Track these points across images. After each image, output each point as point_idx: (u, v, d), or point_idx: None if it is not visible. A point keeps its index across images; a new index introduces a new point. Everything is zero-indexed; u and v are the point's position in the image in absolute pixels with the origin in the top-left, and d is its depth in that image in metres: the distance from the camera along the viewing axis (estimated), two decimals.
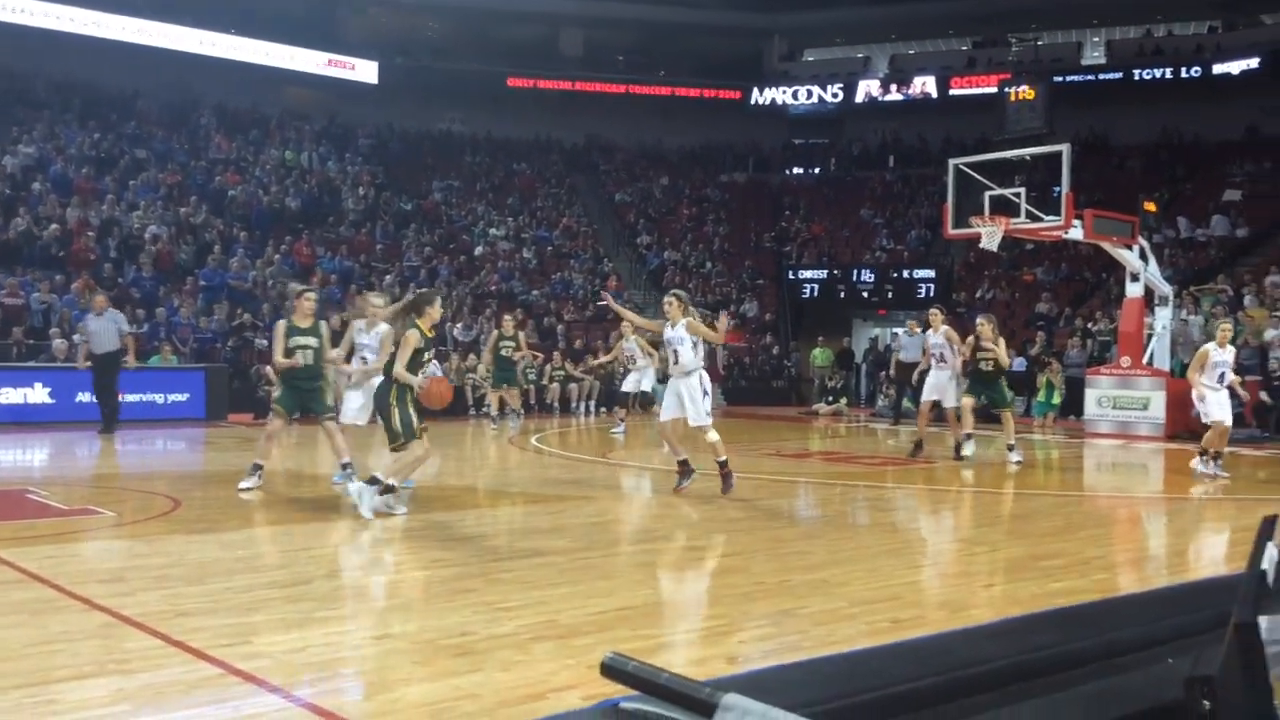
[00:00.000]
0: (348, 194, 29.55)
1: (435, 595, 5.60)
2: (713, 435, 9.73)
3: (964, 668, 1.25)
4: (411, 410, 8.39)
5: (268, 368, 14.47)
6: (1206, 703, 1.12)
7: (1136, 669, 1.41)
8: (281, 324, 10.00)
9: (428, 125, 35.47)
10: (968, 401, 13.30)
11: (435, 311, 8.61)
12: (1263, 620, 1.10)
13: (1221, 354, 12.33)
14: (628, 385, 17.84)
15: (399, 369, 8.27)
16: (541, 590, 5.75)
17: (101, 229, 23.24)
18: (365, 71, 34.28)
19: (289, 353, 9.77)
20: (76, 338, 17.06)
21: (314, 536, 7.59)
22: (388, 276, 25.82)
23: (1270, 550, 1.17)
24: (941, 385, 13.68)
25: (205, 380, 18.76)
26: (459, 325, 23.88)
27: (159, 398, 18.29)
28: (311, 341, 9.88)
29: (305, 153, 30.79)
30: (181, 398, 18.45)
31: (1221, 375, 12.34)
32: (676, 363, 9.97)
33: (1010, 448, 13.15)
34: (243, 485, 9.62)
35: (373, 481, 8.22)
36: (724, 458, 9.65)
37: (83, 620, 4.99)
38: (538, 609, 5.30)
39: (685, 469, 9.94)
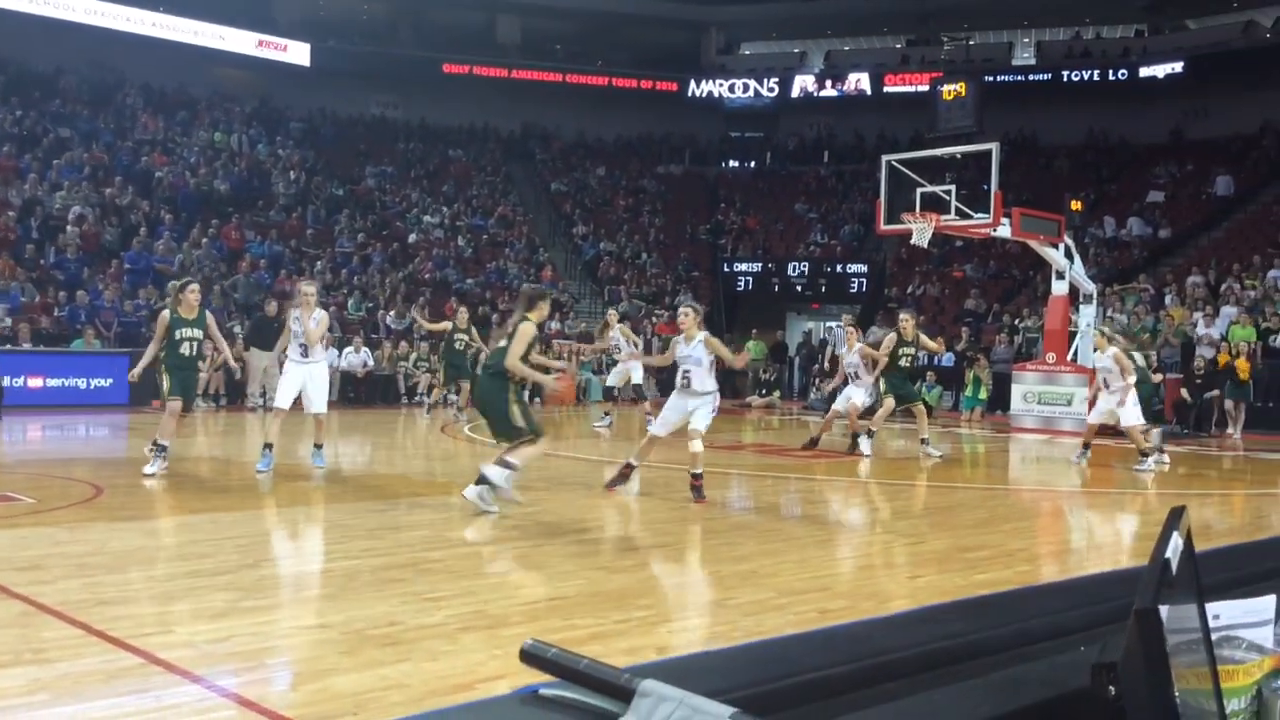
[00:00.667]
0: (278, 178, 29.09)
1: (363, 585, 5.55)
2: (699, 446, 9.18)
3: (877, 655, 1.28)
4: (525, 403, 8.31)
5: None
6: (1112, 689, 1.16)
7: (1046, 657, 1.45)
8: (165, 315, 10.02)
9: (361, 110, 35.04)
10: (890, 401, 13.59)
11: (545, 307, 8.50)
12: (1165, 609, 1.14)
13: (1101, 359, 12.69)
14: (613, 379, 17.31)
15: (517, 364, 8.00)
16: (471, 580, 5.73)
17: (23, 209, 22.64)
18: (298, 54, 33.73)
19: (177, 344, 9.89)
20: None
21: (240, 525, 7.48)
22: (319, 262, 25.49)
23: (1175, 539, 1.21)
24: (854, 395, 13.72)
25: (129, 365, 18.34)
26: (391, 313, 23.64)
27: (81, 383, 17.88)
28: (197, 333, 10.04)
29: (235, 135, 30.24)
30: (105, 383, 18.05)
31: (1105, 381, 12.76)
32: (687, 385, 9.22)
33: (924, 441, 13.40)
34: (148, 470, 9.53)
35: (481, 481, 8.04)
36: (700, 470, 9.13)
37: None
38: (467, 599, 5.28)
39: (628, 474, 9.56)
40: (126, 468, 10.87)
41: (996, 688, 1.34)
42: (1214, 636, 1.50)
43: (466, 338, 16.80)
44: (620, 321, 16.93)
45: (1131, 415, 12.75)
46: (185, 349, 9.97)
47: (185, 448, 13.14)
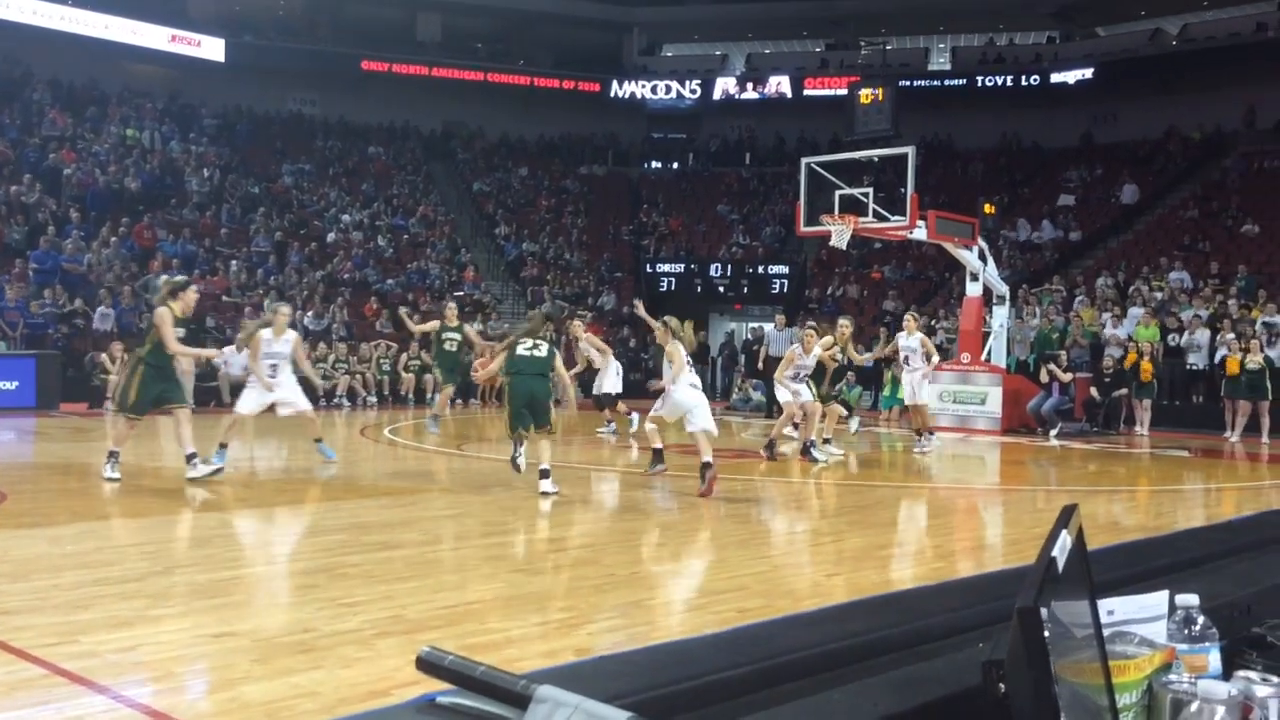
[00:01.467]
0: (191, 175, 28.47)
1: (276, 591, 5.46)
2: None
3: (779, 655, 1.29)
4: None
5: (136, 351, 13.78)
6: (1002, 685, 1.18)
7: (944, 655, 1.47)
8: (168, 313, 9.58)
9: (278, 107, 34.45)
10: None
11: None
12: (1053, 606, 1.16)
13: (908, 340, 14.76)
14: (607, 386, 15.91)
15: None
16: (388, 585, 5.66)
17: None
18: (211, 49, 33.05)
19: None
20: None
21: (148, 531, 7.31)
22: (234, 262, 25.02)
23: (1064, 538, 1.24)
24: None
25: (36, 367, 17.85)
26: (309, 314, 23.28)
27: None
28: (181, 334, 9.90)
29: (147, 131, 29.54)
30: (10, 386, 17.52)
31: (906, 359, 14.86)
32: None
33: (827, 441, 13.73)
34: (195, 475, 9.43)
35: (545, 474, 9.22)
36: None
37: None
38: (383, 604, 5.22)
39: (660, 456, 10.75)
40: (32, 473, 10.57)
41: (895, 686, 1.36)
42: (1107, 632, 1.54)
43: (458, 336, 15.35)
44: (586, 334, 16.03)
45: (925, 394, 14.92)
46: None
47: (90, 453, 12.80)
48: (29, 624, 4.68)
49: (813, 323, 14.93)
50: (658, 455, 10.75)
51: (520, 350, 9.59)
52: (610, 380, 15.65)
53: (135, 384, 9.50)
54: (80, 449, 13.03)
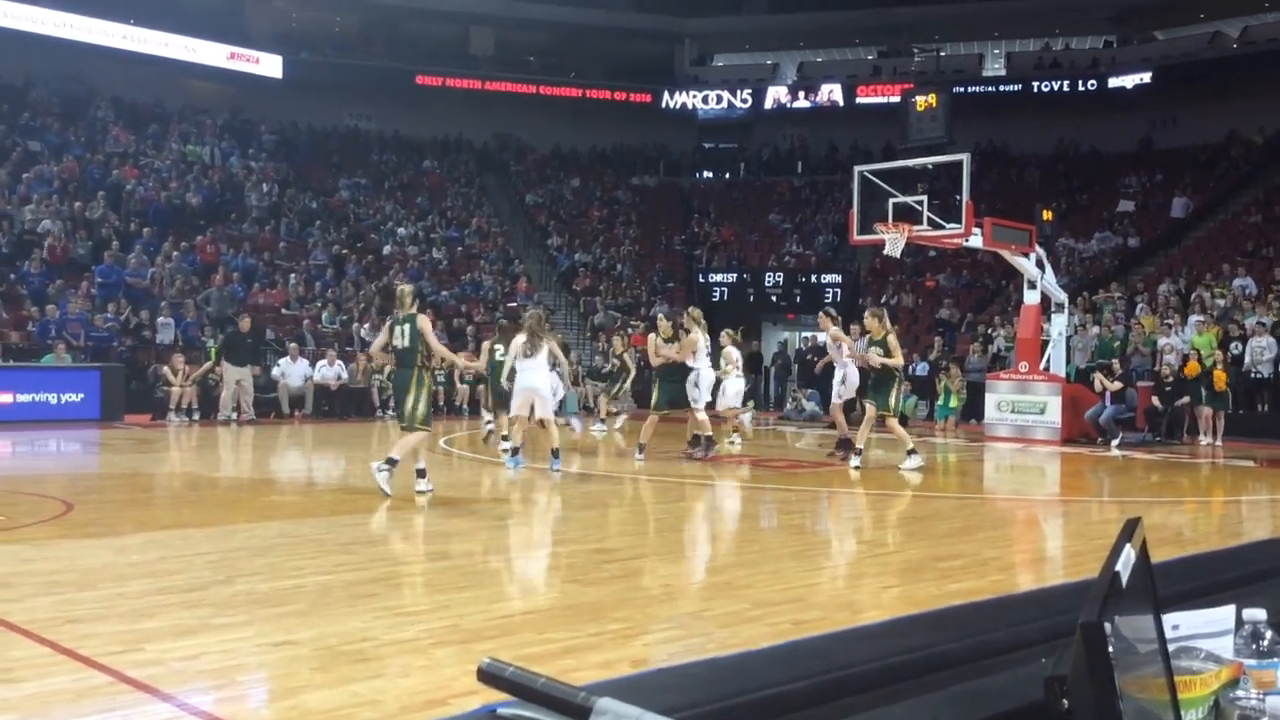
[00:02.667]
0: (251, 190, 28.95)
1: (336, 600, 5.52)
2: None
3: (835, 670, 1.29)
4: None
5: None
6: (1065, 701, 1.17)
7: (1006, 670, 1.46)
8: (428, 320, 9.94)
9: (334, 122, 34.93)
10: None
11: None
12: (1117, 621, 1.15)
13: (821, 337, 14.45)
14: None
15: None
16: (446, 594, 5.71)
17: None
18: (270, 66, 33.63)
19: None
20: None
21: (211, 540, 7.43)
22: (292, 275, 25.38)
23: (1127, 552, 1.22)
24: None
25: (100, 380, 18.23)
26: (365, 326, 23.54)
27: (52, 398, 17.72)
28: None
29: (207, 147, 30.09)
30: (75, 398, 17.90)
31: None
32: None
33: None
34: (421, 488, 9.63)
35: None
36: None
37: None
38: (441, 613, 5.26)
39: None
40: (97, 484, 10.79)
41: (955, 701, 1.35)
42: (1172, 647, 1.52)
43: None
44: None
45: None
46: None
47: (153, 463, 13.06)
48: (95, 632, 4.78)
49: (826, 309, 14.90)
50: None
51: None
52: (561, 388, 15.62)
53: (423, 397, 9.69)
54: (144, 460, 13.28)
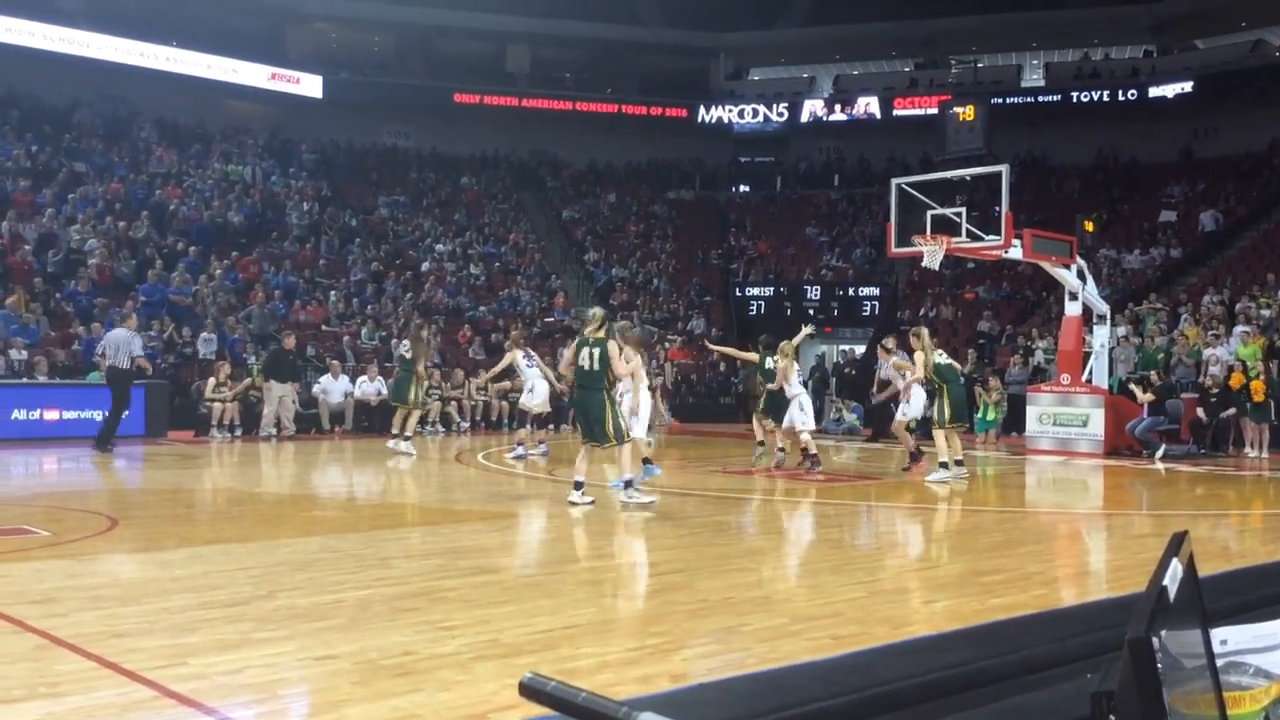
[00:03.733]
0: (292, 209, 29.28)
1: (376, 614, 5.55)
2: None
3: (879, 685, 1.28)
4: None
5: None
6: (1112, 717, 1.15)
7: (1051, 685, 1.44)
8: (615, 345, 10.23)
9: (373, 140, 35.28)
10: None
11: None
12: (1164, 636, 1.13)
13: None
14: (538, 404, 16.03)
15: None
16: (485, 609, 5.72)
17: (39, 243, 22.83)
18: (310, 86, 34.06)
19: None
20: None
21: (253, 555, 7.50)
22: (333, 293, 25.61)
23: (1174, 566, 1.21)
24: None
25: (145, 397, 18.44)
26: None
27: (97, 414, 17.92)
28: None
29: (248, 167, 30.48)
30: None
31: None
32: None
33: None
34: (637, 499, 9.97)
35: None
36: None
37: (13, 642, 4.89)
38: (481, 628, 5.27)
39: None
40: (142, 499, 10.92)
41: (999, 717, 1.34)
42: (1221, 662, 1.50)
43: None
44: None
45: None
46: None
47: (197, 479, 13.20)
48: (140, 646, 4.83)
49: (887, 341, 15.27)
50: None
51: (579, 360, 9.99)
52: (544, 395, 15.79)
53: (614, 414, 10.06)
54: (188, 475, 13.43)
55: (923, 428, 15.29)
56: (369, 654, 4.73)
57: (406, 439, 15.40)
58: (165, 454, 16.06)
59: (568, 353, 10.24)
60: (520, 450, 15.51)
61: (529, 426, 16.02)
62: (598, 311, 10.38)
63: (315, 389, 20.10)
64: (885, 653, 1.49)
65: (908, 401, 14.19)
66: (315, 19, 35.23)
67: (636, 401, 11.83)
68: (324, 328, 24.13)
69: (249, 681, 4.35)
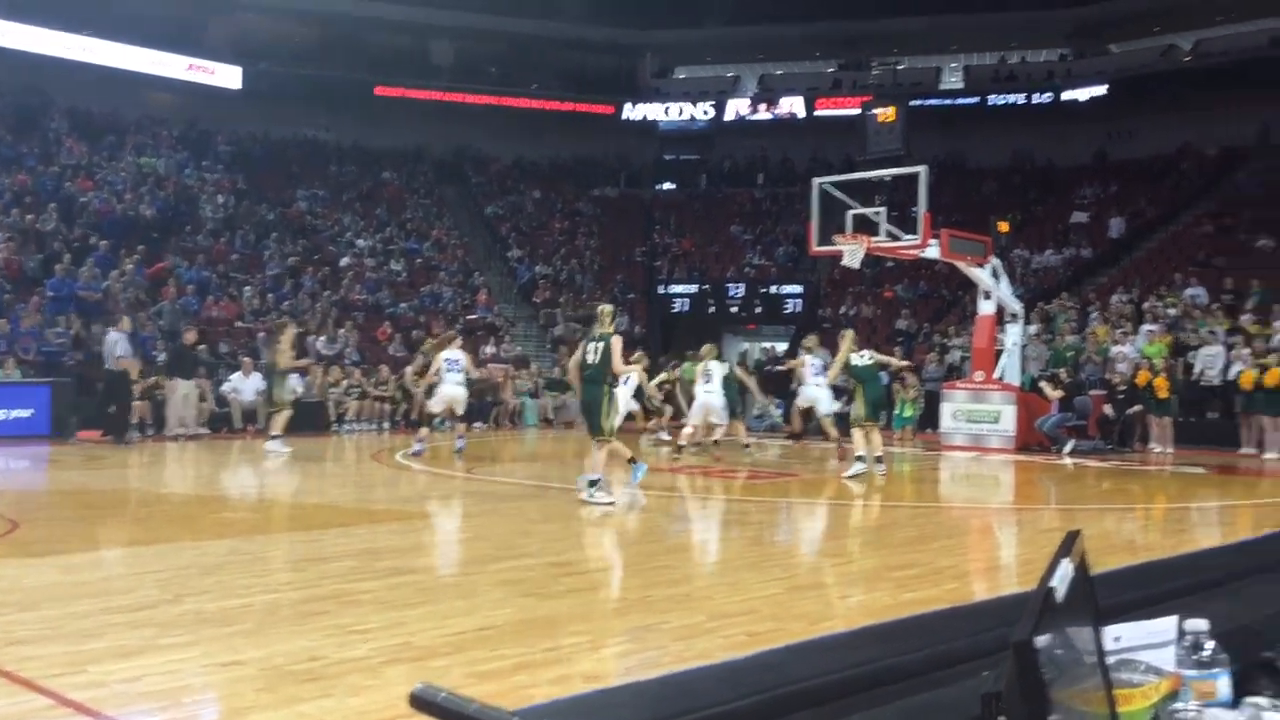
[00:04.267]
0: (206, 202, 28.65)
1: (285, 619, 5.44)
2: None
3: (785, 685, 1.26)
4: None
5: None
6: (1002, 718, 1.15)
7: (956, 682, 1.44)
8: (619, 340, 10.23)
9: (293, 133, 34.66)
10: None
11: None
12: (1054, 635, 1.13)
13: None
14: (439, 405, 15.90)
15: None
16: (398, 611, 5.64)
17: None
18: (228, 77, 33.36)
19: None
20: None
21: (160, 559, 7.31)
22: (247, 288, 25.11)
23: (1064, 566, 1.21)
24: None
25: (50, 395, 17.91)
26: (323, 338, 23.33)
27: (1, 414, 17.40)
28: None
29: (162, 159, 29.76)
30: (25, 413, 17.57)
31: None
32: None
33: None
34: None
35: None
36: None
37: None
38: (393, 631, 5.19)
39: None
40: (45, 501, 10.60)
41: (903, 715, 1.33)
42: (1113, 660, 1.51)
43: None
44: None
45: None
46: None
47: (103, 480, 12.84)
48: (37, 654, 4.67)
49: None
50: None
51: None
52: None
53: (613, 411, 10.27)
54: (94, 476, 13.06)
55: (841, 424, 15.52)
56: (276, 659, 4.63)
57: (274, 438, 15.41)
58: (71, 454, 15.61)
59: (579, 350, 10.43)
60: (418, 447, 15.35)
61: (436, 424, 16.08)
62: (607, 308, 10.56)
63: (225, 387, 19.64)
64: (794, 651, 1.48)
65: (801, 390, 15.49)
66: (236, 9, 34.52)
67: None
68: (238, 324, 23.65)
69: (150, 689, 4.23)
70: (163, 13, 32.35)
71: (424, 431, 15.92)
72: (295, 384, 19.80)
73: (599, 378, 10.05)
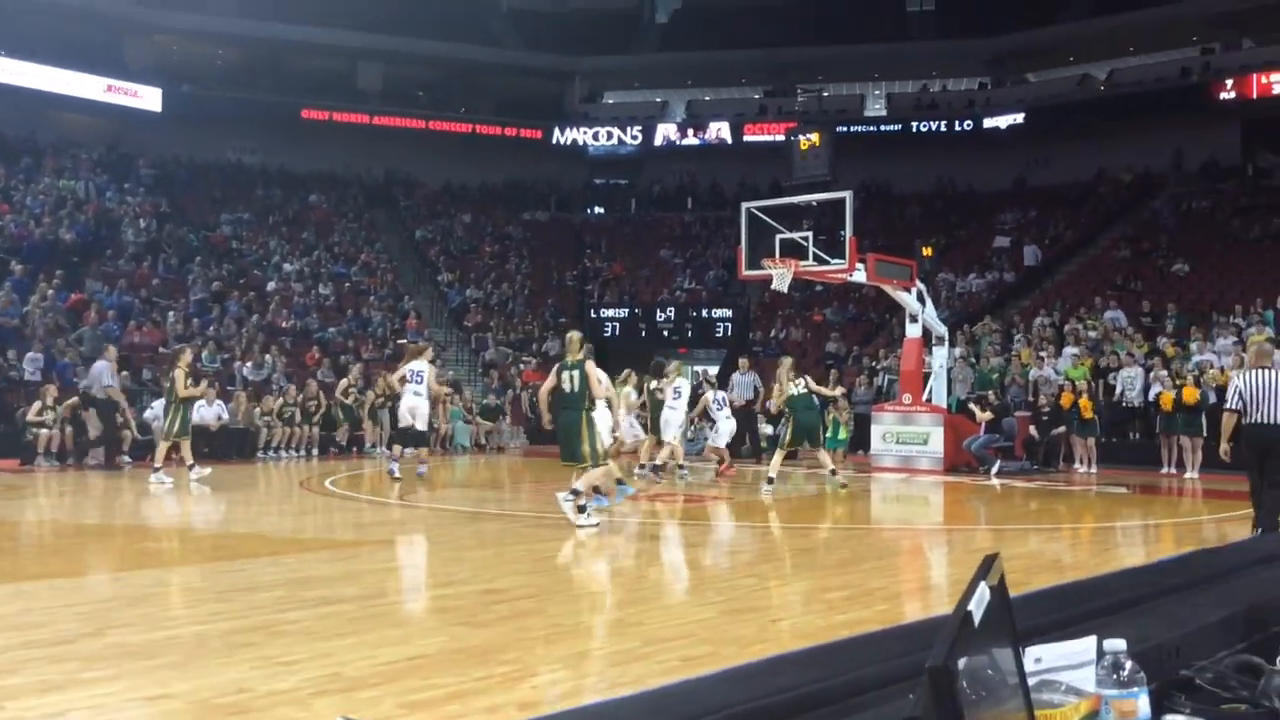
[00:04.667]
0: (128, 225, 28.10)
1: (211, 651, 5.33)
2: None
3: (707, 714, 1.28)
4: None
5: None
6: None
7: (874, 707, 1.47)
8: (594, 367, 10.47)
9: (216, 156, 34.15)
10: None
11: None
12: (972, 659, 1.17)
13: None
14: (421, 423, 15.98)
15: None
16: (327, 641, 5.56)
17: None
18: (149, 99, 32.80)
19: None
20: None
21: (80, 591, 7.13)
22: (170, 313, 24.64)
23: (981, 589, 1.25)
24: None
25: None
26: (249, 364, 22.96)
27: None
28: None
29: (81, 182, 29.14)
30: None
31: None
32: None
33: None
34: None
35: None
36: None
37: None
38: (322, 661, 5.12)
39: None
40: None
41: None
42: (1033, 681, 1.55)
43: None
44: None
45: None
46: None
47: (19, 510, 12.50)
48: None
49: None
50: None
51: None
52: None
53: (594, 435, 10.36)
54: (9, 506, 12.70)
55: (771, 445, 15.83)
56: (203, 692, 4.54)
57: (191, 467, 15.15)
58: None
59: (548, 380, 10.51)
60: (393, 467, 15.21)
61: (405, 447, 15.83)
62: (575, 335, 10.70)
63: (148, 414, 19.19)
64: (715, 681, 1.50)
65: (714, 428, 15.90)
66: (155, 31, 34.02)
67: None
68: (161, 350, 23.17)
69: None
70: (80, 33, 31.79)
71: (398, 450, 15.82)
72: (218, 412, 19.47)
73: (579, 404, 10.20)
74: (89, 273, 24.90)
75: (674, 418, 15.98)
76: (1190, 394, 17.33)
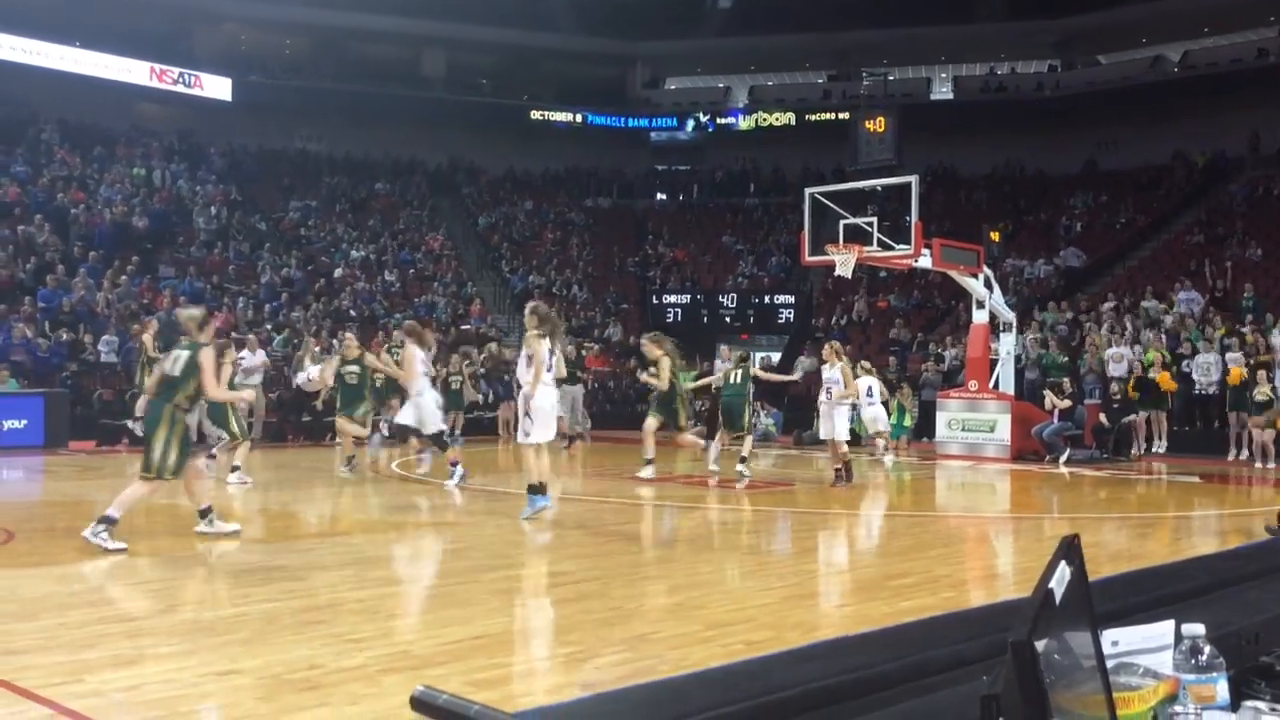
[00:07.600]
0: (199, 213, 28.63)
1: (282, 628, 5.43)
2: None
3: (775, 692, 1.27)
4: None
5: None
6: (1002, 719, 1.17)
7: (946, 688, 1.46)
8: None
9: (284, 144, 34.65)
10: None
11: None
12: (1052, 638, 1.15)
13: (829, 372, 13.69)
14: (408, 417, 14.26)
15: None
16: (395, 620, 5.65)
17: None
18: (218, 88, 33.33)
19: None
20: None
21: (154, 569, 7.30)
22: (240, 299, 25.08)
23: (1062, 569, 1.23)
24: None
25: (44, 406, 17.87)
26: (317, 349, 23.24)
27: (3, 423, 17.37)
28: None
29: (155, 170, 29.74)
30: (19, 424, 17.52)
31: (828, 391, 13.63)
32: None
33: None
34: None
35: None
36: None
37: None
38: (390, 640, 5.20)
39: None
40: (40, 512, 10.57)
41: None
42: (1111, 663, 1.53)
43: (357, 368, 14.37)
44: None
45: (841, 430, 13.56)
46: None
47: (98, 490, 12.80)
48: (35, 663, 4.67)
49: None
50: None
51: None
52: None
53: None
54: (88, 487, 13.03)
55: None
56: (274, 668, 4.63)
57: (235, 469, 14.35)
58: (65, 465, 15.57)
59: (716, 377, 11.04)
60: (423, 458, 14.59)
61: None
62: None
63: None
64: (785, 658, 1.49)
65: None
66: (224, 20, 34.51)
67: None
68: (232, 335, 23.58)
69: (148, 698, 4.23)
70: (150, 24, 32.38)
71: (415, 442, 15.06)
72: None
73: (742, 391, 13.50)
74: (161, 259, 25.39)
75: (878, 414, 17.10)
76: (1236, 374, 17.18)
